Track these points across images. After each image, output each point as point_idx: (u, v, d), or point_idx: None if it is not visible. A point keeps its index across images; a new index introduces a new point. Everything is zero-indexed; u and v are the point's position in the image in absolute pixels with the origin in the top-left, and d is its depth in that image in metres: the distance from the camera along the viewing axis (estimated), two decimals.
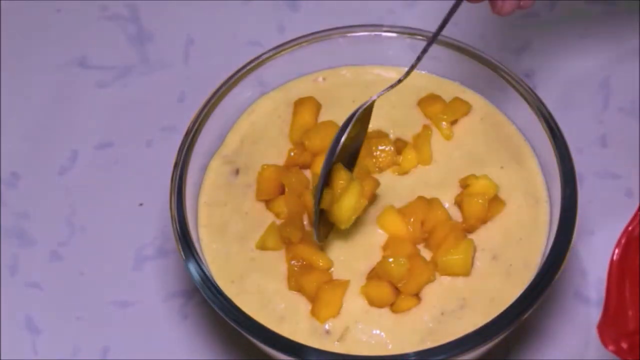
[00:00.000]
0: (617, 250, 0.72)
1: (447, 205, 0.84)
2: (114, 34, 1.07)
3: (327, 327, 0.81)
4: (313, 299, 0.81)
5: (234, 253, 0.84)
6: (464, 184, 0.85)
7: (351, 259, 0.83)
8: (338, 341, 0.80)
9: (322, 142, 0.85)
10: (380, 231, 0.83)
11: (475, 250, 0.82)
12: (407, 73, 0.82)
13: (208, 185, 0.87)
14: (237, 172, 0.88)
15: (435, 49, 0.89)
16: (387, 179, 0.86)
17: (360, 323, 0.81)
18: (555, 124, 0.85)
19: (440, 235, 0.82)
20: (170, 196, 0.83)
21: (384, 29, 0.91)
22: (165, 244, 0.96)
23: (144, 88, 1.04)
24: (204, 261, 0.82)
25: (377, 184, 0.83)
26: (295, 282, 0.82)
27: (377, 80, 0.91)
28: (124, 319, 0.93)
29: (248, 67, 0.89)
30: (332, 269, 0.82)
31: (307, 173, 0.86)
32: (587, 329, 0.91)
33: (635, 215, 0.73)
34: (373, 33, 0.90)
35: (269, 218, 0.85)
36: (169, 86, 1.03)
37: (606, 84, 1.02)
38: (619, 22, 1.05)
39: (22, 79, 1.05)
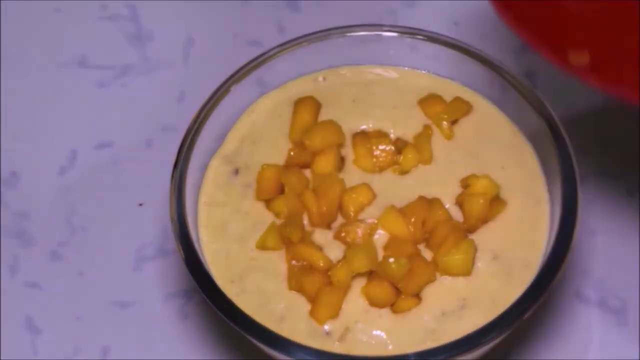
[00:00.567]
0: None
1: (447, 205, 0.84)
2: (114, 34, 1.07)
3: (327, 327, 0.81)
4: (313, 299, 0.81)
5: (234, 253, 0.84)
6: (465, 183, 0.85)
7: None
8: (338, 341, 0.80)
9: (322, 141, 0.85)
10: (380, 231, 0.83)
11: (476, 251, 0.82)
12: None
13: (208, 185, 0.87)
14: (237, 172, 0.88)
15: (435, 48, 0.89)
16: (388, 179, 0.86)
17: (361, 323, 0.81)
18: (556, 123, 0.85)
19: (441, 235, 0.82)
20: (170, 196, 0.83)
21: (384, 29, 0.91)
22: (165, 244, 0.96)
23: (144, 88, 1.04)
24: (204, 261, 0.82)
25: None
26: (295, 282, 0.81)
27: (377, 80, 0.91)
28: (124, 319, 0.93)
29: (248, 67, 0.89)
30: (333, 269, 0.82)
31: (307, 173, 0.86)
32: (587, 329, 0.91)
33: None
34: (373, 33, 0.90)
35: (269, 218, 0.85)
36: (169, 86, 1.03)
37: None
38: None
39: (22, 79, 1.05)
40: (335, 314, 0.81)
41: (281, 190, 0.85)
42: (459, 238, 0.82)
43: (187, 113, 0.88)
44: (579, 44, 0.66)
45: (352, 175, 0.86)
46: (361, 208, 0.84)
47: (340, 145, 0.87)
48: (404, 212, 0.83)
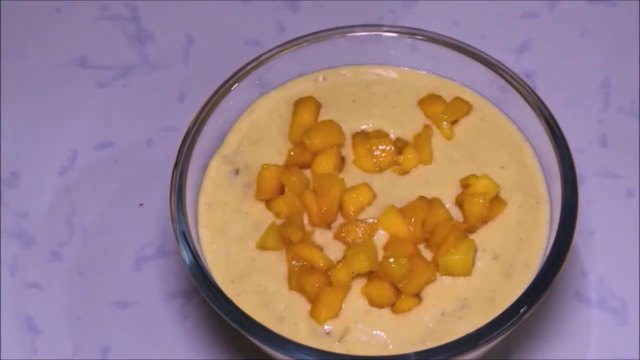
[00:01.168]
0: None
1: (447, 205, 0.84)
2: (114, 34, 1.07)
3: (327, 327, 0.81)
4: (313, 300, 0.81)
5: (234, 253, 0.84)
6: (465, 183, 0.85)
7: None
8: (338, 341, 0.80)
9: (322, 141, 0.86)
10: (381, 231, 0.83)
11: (476, 251, 0.82)
12: None
13: (208, 185, 0.87)
14: (237, 172, 0.88)
15: (435, 49, 0.89)
16: (388, 179, 0.86)
17: (361, 323, 0.81)
18: (556, 124, 0.85)
19: (441, 235, 0.82)
20: (170, 196, 0.83)
21: (384, 29, 0.90)
22: (165, 244, 0.96)
23: (144, 88, 1.04)
24: (204, 261, 0.82)
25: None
26: (296, 283, 0.81)
27: (377, 80, 0.91)
28: (124, 319, 0.93)
29: (248, 67, 0.89)
30: (333, 269, 0.82)
31: (307, 173, 0.86)
32: (587, 329, 0.91)
33: None
34: (373, 33, 0.90)
35: (269, 218, 0.85)
36: (169, 86, 1.03)
37: (606, 84, 1.02)
38: (619, 22, 1.05)
39: (22, 78, 1.05)
40: (335, 314, 0.81)
41: (281, 190, 0.85)
42: (459, 238, 0.82)
43: (187, 113, 0.88)
44: None
45: (352, 175, 0.86)
46: (361, 208, 0.84)
47: (340, 145, 0.87)
48: (404, 212, 0.83)
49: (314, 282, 0.81)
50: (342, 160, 0.87)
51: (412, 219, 0.83)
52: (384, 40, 0.91)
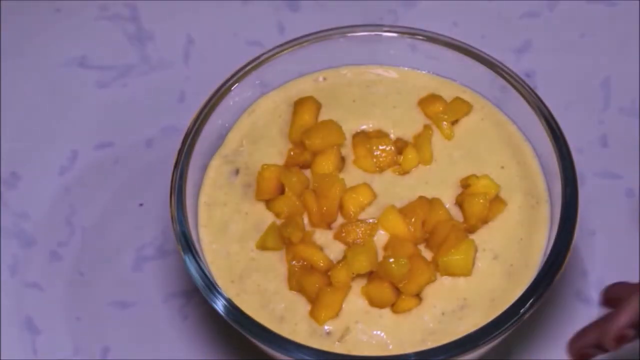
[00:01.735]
0: None
1: (448, 205, 0.84)
2: (114, 34, 1.07)
3: (327, 327, 0.81)
4: (313, 300, 0.81)
5: (234, 253, 0.84)
6: (465, 183, 0.85)
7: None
8: (338, 341, 0.80)
9: (322, 141, 0.85)
10: (381, 231, 0.83)
11: (476, 251, 0.82)
12: None
13: (208, 185, 0.87)
14: (237, 172, 0.88)
15: (435, 48, 0.89)
16: (388, 179, 0.86)
17: (361, 323, 0.81)
18: (556, 124, 0.85)
19: (441, 235, 0.82)
20: (170, 196, 0.83)
21: (384, 29, 0.90)
22: (165, 244, 0.96)
23: (144, 88, 1.04)
24: (204, 261, 0.82)
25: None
26: (296, 283, 0.81)
27: (378, 80, 0.91)
28: (124, 319, 0.93)
29: (248, 67, 0.89)
30: (333, 269, 0.82)
31: (307, 173, 0.86)
32: None
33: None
34: (373, 33, 0.90)
35: (269, 218, 0.85)
36: (169, 86, 1.03)
37: (606, 84, 1.02)
38: (619, 22, 1.05)
39: (22, 78, 1.05)
40: (335, 314, 0.81)
41: (281, 190, 0.85)
42: (459, 238, 0.82)
43: (187, 113, 0.88)
44: None
45: (352, 175, 0.86)
46: (361, 208, 0.84)
47: (340, 145, 0.87)
48: (404, 212, 0.83)
49: (314, 282, 0.81)
50: (342, 160, 0.87)
51: (412, 219, 0.83)
52: (384, 40, 0.91)
